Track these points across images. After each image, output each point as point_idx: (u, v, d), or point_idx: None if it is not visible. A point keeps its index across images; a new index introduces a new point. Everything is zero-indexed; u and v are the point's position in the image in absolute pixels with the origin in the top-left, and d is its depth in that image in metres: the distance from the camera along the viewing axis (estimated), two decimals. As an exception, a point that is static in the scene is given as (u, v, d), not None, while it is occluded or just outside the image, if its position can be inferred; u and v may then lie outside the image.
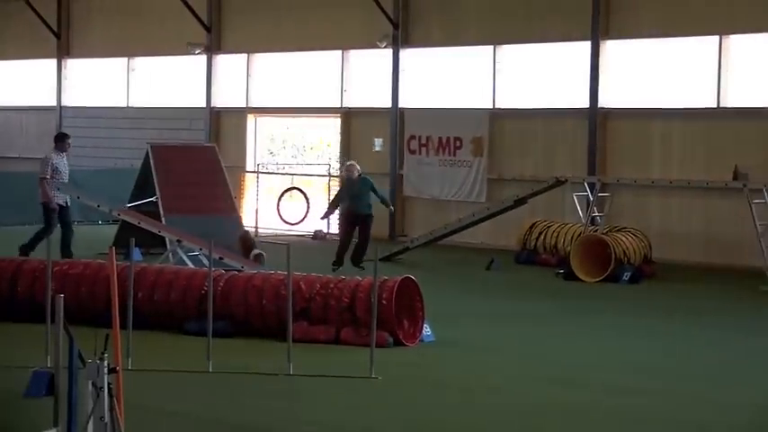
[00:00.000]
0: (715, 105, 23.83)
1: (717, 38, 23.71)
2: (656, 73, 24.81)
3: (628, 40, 25.10)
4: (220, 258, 17.09)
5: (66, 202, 20.57)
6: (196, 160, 22.83)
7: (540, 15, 26.18)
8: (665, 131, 24.46)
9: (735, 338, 15.10)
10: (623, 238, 21.34)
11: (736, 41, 23.63)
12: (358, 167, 22.04)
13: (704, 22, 23.78)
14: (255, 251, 19.86)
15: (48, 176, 20.15)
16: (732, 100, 23.70)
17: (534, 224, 23.80)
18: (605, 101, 25.37)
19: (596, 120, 25.30)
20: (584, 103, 25.50)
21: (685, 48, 24.31)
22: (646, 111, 24.79)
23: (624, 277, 20.58)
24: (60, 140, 20.83)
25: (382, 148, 29.04)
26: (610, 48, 25.37)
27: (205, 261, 17.34)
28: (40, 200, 20.46)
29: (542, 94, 26.47)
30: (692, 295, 19.65)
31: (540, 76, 26.57)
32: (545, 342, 14.53)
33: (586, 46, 25.40)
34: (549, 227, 23.50)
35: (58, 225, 20.38)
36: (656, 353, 13.91)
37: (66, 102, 36.62)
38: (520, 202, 23.19)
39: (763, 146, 23.01)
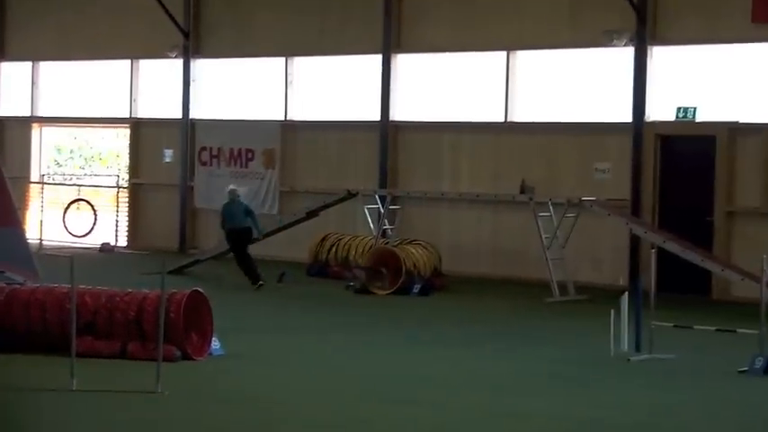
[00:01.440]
0: (503, 120, 24.40)
1: (504, 53, 24.29)
2: (446, 87, 25.25)
3: (419, 54, 25.49)
4: (1, 272, 16.66)
5: None
6: (-24, 170, 22.18)
7: (332, 28, 26.36)
8: (455, 145, 24.91)
9: (521, 349, 15.44)
10: (414, 251, 21.63)
11: (523, 57, 24.25)
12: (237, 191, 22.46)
13: (493, 37, 24.33)
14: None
15: None
16: (519, 115, 24.31)
17: (326, 236, 23.92)
18: (396, 114, 25.72)
19: (388, 133, 25.62)
20: (376, 116, 25.79)
21: (475, 62, 24.82)
22: (436, 124, 25.20)
23: (414, 289, 20.86)
24: None
25: (173, 159, 28.78)
26: (401, 61, 25.73)
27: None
28: None
29: (335, 107, 26.66)
30: (480, 307, 20.06)
31: (332, 88, 26.75)
32: (335, 354, 14.62)
33: (378, 59, 25.71)
34: (340, 239, 23.66)
35: None
36: (444, 364, 14.11)
37: None
38: (312, 214, 23.32)
39: (548, 160, 23.67)
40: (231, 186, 22.91)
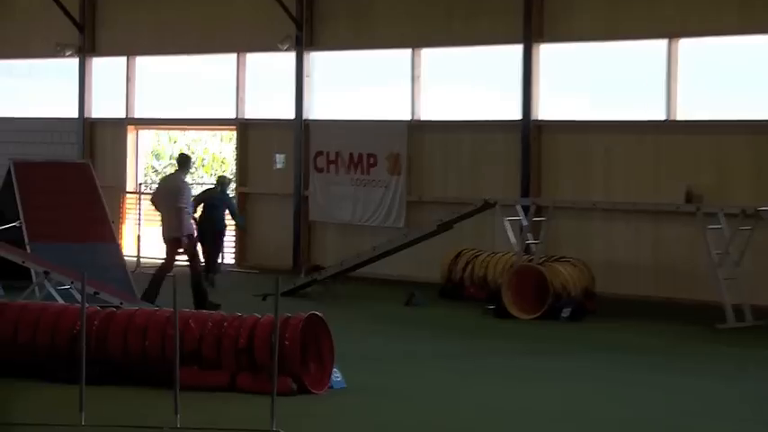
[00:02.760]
0: (664, 118, 24.08)
1: (665, 41, 23.95)
2: (597, 81, 25.05)
3: (565, 44, 25.27)
4: (96, 293, 16.88)
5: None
6: (67, 179, 22.64)
7: (464, 15, 26.30)
8: (609, 147, 24.63)
9: (687, 384, 15.20)
10: (562, 269, 21.47)
11: (686, 45, 23.90)
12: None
13: (651, 23, 24.02)
14: None
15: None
16: (683, 112, 23.95)
17: (460, 253, 23.84)
18: (540, 113, 25.53)
19: (530, 134, 25.42)
20: (516, 115, 25.62)
21: (630, 52, 24.58)
22: (586, 124, 24.98)
23: (564, 313, 20.73)
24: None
25: (284, 166, 28.95)
26: (544, 52, 25.53)
27: (78, 296, 17.09)
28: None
29: (469, 105, 26.58)
30: (639, 334, 19.77)
31: (465, 84, 26.68)
32: (472, 389, 14.50)
33: (518, 50, 25.54)
34: (476, 256, 23.56)
35: None
36: (600, 400, 13.94)
37: None
38: (444, 227, 23.20)
39: (718, 164, 23.27)
40: (224, 174, 23.86)
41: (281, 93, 29.07)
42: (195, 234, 21.34)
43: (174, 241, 20.54)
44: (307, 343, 13.73)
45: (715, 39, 23.58)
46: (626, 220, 24.18)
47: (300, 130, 28.61)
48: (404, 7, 27.22)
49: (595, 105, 25.04)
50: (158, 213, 21.23)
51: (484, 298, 22.22)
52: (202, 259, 23.05)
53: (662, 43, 24.03)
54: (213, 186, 26.30)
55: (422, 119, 27.18)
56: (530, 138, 25.43)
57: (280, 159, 29.12)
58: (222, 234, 25.97)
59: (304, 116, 28.68)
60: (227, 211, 25.76)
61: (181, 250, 20.65)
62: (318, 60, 28.76)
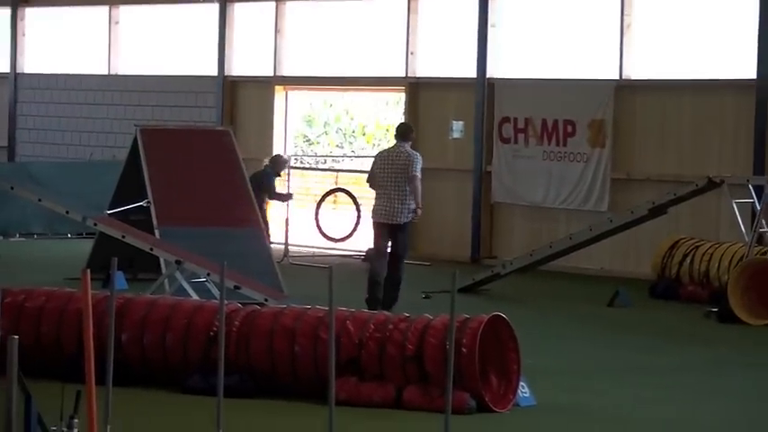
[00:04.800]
0: None
1: None
2: None
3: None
4: (236, 287, 17.14)
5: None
6: (203, 150, 22.94)
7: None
8: None
9: None
10: (805, 264, 21.27)
11: None
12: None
13: None
14: None
15: None
16: None
17: (676, 243, 23.72)
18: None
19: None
20: (750, 71, 25.36)
21: None
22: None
23: (810, 320, 20.54)
24: None
25: (463, 135, 29.02)
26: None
27: (215, 291, 17.42)
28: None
29: (690, 59, 26.38)
30: None
31: (680, 31, 26.46)
32: (693, 411, 14.49)
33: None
34: (697, 247, 23.40)
35: None
36: None
37: (23, 67, 36.97)
38: (657, 211, 23.11)
39: None
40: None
41: (461, 46, 29.18)
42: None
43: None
44: (488, 351, 13.80)
45: None
46: None
47: (483, 92, 28.70)
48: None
49: None
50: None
51: (705, 298, 22.11)
52: None
53: None
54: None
55: (632, 77, 27.08)
56: (767, 102, 25.21)
57: (457, 127, 29.21)
58: None
59: (488, 75, 28.75)
60: None
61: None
62: (505, 5, 28.76)
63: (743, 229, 22.41)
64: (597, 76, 27.35)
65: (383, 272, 20.59)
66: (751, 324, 20.52)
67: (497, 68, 28.78)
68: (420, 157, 20.86)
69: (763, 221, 22.38)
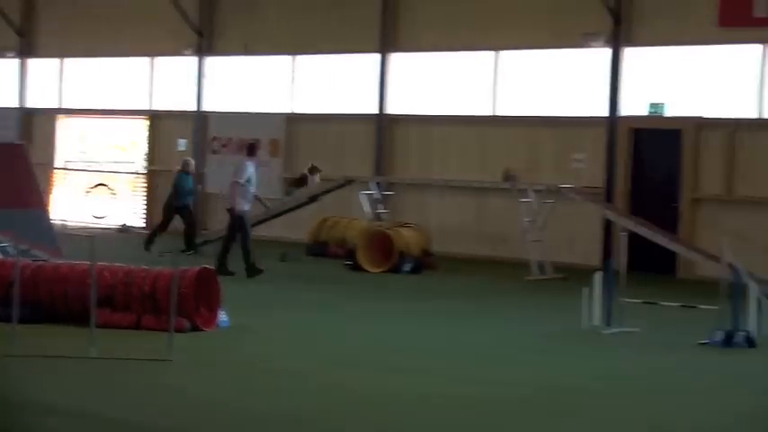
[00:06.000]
0: (490, 113, 24.44)
1: (492, 53, 24.33)
2: (438, 83, 25.29)
3: (413, 53, 25.51)
4: (27, 250, 16.69)
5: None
6: (4, 156, 22.20)
7: (333, 29, 26.37)
8: (445, 136, 24.93)
9: (503, 323, 15.52)
10: (405, 233, 21.67)
11: (508, 56, 24.26)
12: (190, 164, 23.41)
13: (481, 39, 24.34)
14: None
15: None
16: (504, 109, 24.34)
17: (325, 219, 23.96)
18: (392, 108, 25.75)
19: (383, 125, 25.64)
20: (373, 109, 25.82)
21: (465, 61, 24.85)
22: (428, 117, 25.23)
23: (405, 268, 20.92)
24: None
25: (186, 148, 28.78)
26: (397, 60, 25.73)
27: (13, 251, 16.92)
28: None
29: (335, 101, 26.67)
30: (466, 284, 20.11)
31: (333, 84, 26.76)
32: (332, 326, 14.64)
33: (376, 58, 25.73)
34: (338, 222, 23.69)
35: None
36: (431, 335, 14.15)
37: None
38: (313, 199, 23.31)
39: (529, 151, 23.71)
40: (187, 158, 23.48)
41: (185, 89, 28.83)
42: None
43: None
44: (200, 290, 13.71)
45: (530, 51, 23.98)
46: (457, 194, 24.49)
47: (200, 120, 28.49)
48: (286, 22, 27.18)
49: (435, 102, 25.31)
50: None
51: (343, 255, 22.31)
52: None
53: (490, 54, 24.41)
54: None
55: (298, 112, 27.22)
56: (383, 128, 25.64)
57: (182, 143, 28.93)
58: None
59: (203, 108, 28.58)
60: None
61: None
62: (215, 64, 28.56)
63: (367, 210, 22.78)
64: (275, 110, 27.41)
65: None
66: (371, 272, 20.91)
67: (211, 104, 28.61)
68: (245, 167, 19.78)
69: (380, 206, 22.81)
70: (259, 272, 19.24)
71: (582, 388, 11.09)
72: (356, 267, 20.97)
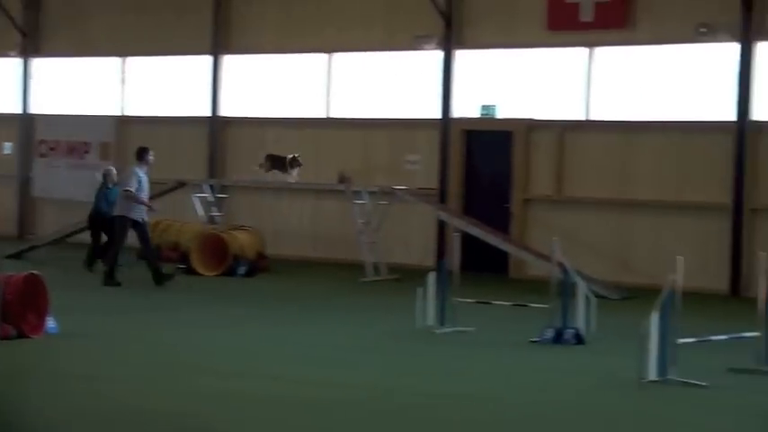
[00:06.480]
0: (324, 116, 24.48)
1: (326, 55, 24.38)
2: (272, 86, 25.21)
3: (246, 55, 25.38)
4: None
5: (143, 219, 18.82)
6: None
7: (164, 30, 26.04)
8: (279, 138, 24.85)
9: (337, 324, 15.51)
10: (239, 236, 21.54)
11: (342, 59, 24.35)
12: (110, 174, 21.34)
13: (315, 41, 24.37)
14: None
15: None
16: (338, 111, 24.42)
17: (158, 222, 23.55)
18: (225, 110, 25.56)
19: (217, 127, 25.43)
20: (206, 112, 25.58)
21: (298, 64, 24.84)
22: (262, 120, 25.14)
23: (240, 271, 20.80)
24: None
25: (12, 152, 28.05)
26: (229, 62, 25.56)
27: None
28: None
29: (168, 103, 26.34)
30: (301, 286, 20.08)
31: (166, 86, 26.43)
32: (161, 332, 14.35)
33: (208, 60, 25.50)
34: (171, 225, 23.36)
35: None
36: (262, 339, 14.03)
37: None
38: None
39: (363, 153, 23.84)
40: (108, 167, 22.07)
41: (10, 92, 28.08)
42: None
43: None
44: (27, 297, 13.34)
45: (364, 54, 24.11)
46: (292, 196, 24.47)
47: (26, 123, 27.81)
48: (116, 24, 26.74)
49: (270, 105, 25.22)
50: None
51: (176, 258, 21.99)
52: None
53: (323, 56, 24.45)
54: None
55: (129, 114, 26.78)
56: (216, 130, 25.45)
57: (8, 146, 28.32)
58: None
59: (30, 111, 27.90)
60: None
61: None
62: (44, 65, 27.91)
63: (200, 213, 22.56)
64: (106, 113, 26.92)
65: None
66: (206, 275, 20.71)
67: (38, 106, 27.94)
68: (133, 173, 19.05)
69: (214, 209, 22.61)
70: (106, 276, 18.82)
71: (412, 388, 11.13)
72: (190, 271, 20.73)
